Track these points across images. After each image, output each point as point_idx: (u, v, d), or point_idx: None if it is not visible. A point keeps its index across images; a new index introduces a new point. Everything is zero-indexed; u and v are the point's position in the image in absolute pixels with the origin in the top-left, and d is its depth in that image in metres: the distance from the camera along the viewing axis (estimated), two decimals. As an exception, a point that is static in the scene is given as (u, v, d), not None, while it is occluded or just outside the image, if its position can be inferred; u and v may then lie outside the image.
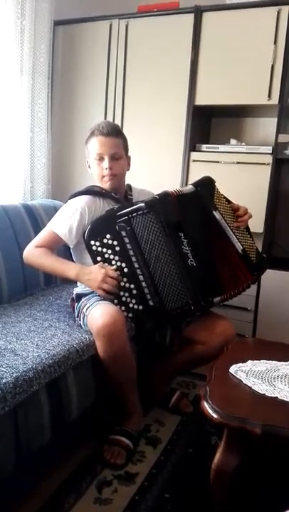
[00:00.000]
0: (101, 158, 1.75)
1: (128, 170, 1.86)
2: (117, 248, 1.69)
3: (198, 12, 2.25)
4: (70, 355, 1.49)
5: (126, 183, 1.90)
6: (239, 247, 1.74)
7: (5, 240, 1.97)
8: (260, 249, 2.29)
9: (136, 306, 1.69)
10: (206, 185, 1.77)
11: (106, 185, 1.78)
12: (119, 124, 2.41)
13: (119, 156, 1.76)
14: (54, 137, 2.61)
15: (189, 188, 1.77)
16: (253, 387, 1.27)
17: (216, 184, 1.78)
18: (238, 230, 1.77)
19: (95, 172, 1.80)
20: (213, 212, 1.73)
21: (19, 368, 1.31)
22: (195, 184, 1.78)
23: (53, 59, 2.55)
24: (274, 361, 1.43)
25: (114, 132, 1.75)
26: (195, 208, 1.73)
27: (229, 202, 1.81)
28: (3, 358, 1.37)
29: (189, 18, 2.26)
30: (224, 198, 1.80)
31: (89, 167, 1.83)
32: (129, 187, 1.91)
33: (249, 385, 1.28)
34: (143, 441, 1.75)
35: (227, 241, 1.73)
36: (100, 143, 1.73)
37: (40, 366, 1.36)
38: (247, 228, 1.82)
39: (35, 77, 2.43)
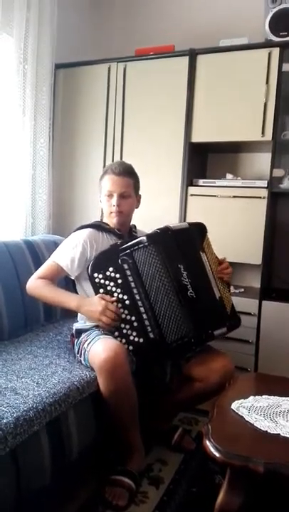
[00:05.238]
0: (110, 195, 1.84)
1: (137, 208, 1.94)
2: (120, 281, 1.71)
3: (192, 55, 2.35)
4: (71, 393, 1.48)
5: (131, 223, 1.96)
6: (217, 293, 1.76)
7: (6, 275, 1.99)
8: (258, 281, 2.34)
9: (136, 339, 1.68)
10: (199, 227, 1.84)
11: (113, 220, 1.86)
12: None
13: (127, 194, 1.85)
14: (55, 174, 2.68)
15: (184, 224, 1.83)
16: (255, 424, 1.26)
17: (207, 233, 1.84)
18: (219, 279, 1.80)
19: (104, 207, 1.89)
20: (201, 253, 1.77)
21: (20, 408, 1.31)
22: (189, 223, 1.84)
23: (54, 100, 2.65)
24: (276, 396, 1.43)
25: (126, 172, 1.85)
26: (188, 245, 1.77)
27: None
28: (3, 397, 1.37)
29: (184, 61, 2.36)
30: (212, 249, 1.85)
31: (100, 201, 1.91)
32: (134, 226, 1.97)
33: (251, 421, 1.28)
34: (145, 481, 1.71)
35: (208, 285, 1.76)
36: (111, 181, 1.83)
37: (40, 405, 1.35)
38: (227, 284, 1.86)
39: (37, 118, 2.51)
